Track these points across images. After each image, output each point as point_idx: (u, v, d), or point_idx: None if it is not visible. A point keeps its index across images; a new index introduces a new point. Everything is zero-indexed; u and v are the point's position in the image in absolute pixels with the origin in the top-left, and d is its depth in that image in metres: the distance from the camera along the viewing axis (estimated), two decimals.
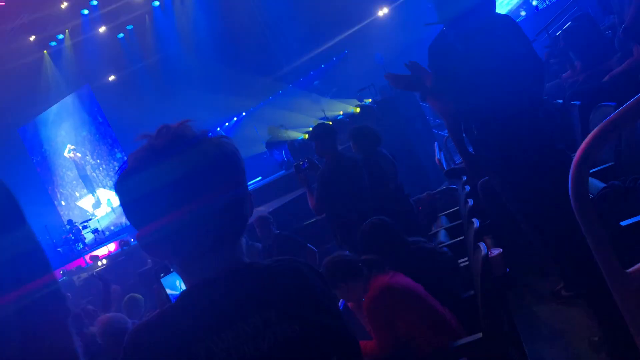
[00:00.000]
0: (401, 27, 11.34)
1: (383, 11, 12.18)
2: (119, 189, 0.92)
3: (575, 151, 1.30)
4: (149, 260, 7.65)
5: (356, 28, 11.91)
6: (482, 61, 2.44)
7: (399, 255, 2.85)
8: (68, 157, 16.15)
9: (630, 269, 1.20)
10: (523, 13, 9.22)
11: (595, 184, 2.52)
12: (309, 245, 4.72)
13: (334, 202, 4.09)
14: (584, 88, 4.02)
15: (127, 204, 0.92)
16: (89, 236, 13.50)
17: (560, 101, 4.02)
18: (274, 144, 10.80)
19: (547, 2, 8.73)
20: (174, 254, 0.94)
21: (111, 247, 12.45)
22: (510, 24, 2.64)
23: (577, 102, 3.42)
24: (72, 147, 16.14)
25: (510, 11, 9.14)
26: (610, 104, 2.96)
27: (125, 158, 0.97)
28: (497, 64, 2.37)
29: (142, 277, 7.69)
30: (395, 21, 11.88)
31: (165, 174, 0.88)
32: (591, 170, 2.73)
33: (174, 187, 0.88)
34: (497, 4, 2.59)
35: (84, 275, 10.19)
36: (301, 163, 4.20)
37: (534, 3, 8.98)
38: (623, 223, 2.11)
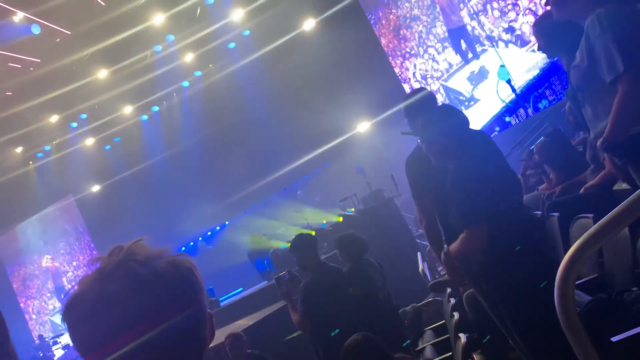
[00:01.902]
0: (380, 140, 11.80)
1: (364, 126, 12.72)
2: (65, 314, 0.86)
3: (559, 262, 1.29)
4: None
5: (338, 141, 12.34)
6: (455, 174, 2.53)
7: None
8: (45, 267, 15.74)
9: None
10: (497, 129, 9.68)
11: (582, 296, 2.48)
12: None
13: (318, 316, 3.96)
14: (561, 200, 4.12)
15: (72, 331, 0.85)
16: (58, 352, 12.78)
17: (539, 212, 4.08)
18: (256, 254, 10.68)
19: (519, 119, 9.21)
20: None
21: None
22: (484, 139, 2.76)
23: (556, 214, 3.47)
24: (50, 257, 15.79)
25: (484, 127, 9.60)
26: (588, 215, 3.01)
27: None
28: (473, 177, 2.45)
29: None
30: (375, 134, 12.38)
31: (111, 297, 0.82)
32: (576, 282, 2.70)
33: (120, 311, 0.82)
34: (471, 120, 2.72)
35: None
36: (282, 275, 4.12)
37: (507, 119, 9.47)
38: (614, 339, 2.04)
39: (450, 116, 2.73)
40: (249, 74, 13.51)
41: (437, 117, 2.75)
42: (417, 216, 3.22)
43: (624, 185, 3.10)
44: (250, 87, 13.67)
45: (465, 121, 2.68)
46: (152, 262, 0.86)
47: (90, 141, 14.85)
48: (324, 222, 10.71)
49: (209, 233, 15.22)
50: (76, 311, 0.84)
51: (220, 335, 4.94)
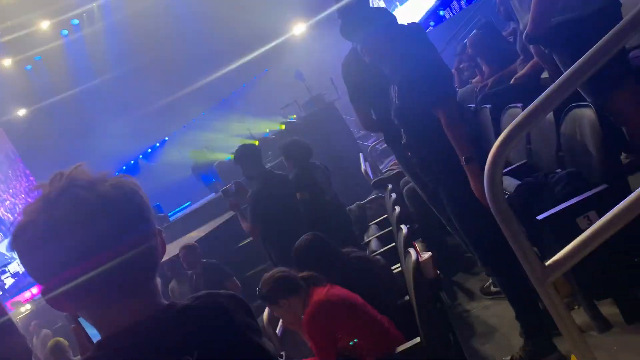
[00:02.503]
0: (318, 43, 11.55)
1: (299, 28, 12.35)
2: (14, 245, 0.86)
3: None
4: None
5: (274, 45, 11.99)
6: (391, 70, 2.56)
7: (335, 268, 2.86)
8: None
9: (549, 261, 1.27)
10: (432, 24, 9.65)
11: (511, 181, 2.66)
12: (233, 278, 4.69)
13: (267, 222, 4.07)
14: (492, 92, 4.25)
15: (25, 260, 0.86)
16: (8, 281, 12.62)
17: (473, 105, 4.22)
18: (199, 168, 10.62)
19: (453, 13, 9.19)
20: (82, 306, 0.89)
21: (34, 290, 11.70)
22: (419, 32, 2.78)
23: (488, 106, 3.60)
24: None
25: (419, 22, 9.53)
26: (517, 105, 3.15)
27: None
28: (405, 72, 2.49)
29: (70, 319, 7.26)
30: (311, 37, 12.08)
31: (61, 223, 0.83)
32: (506, 170, 2.88)
33: (72, 236, 0.83)
34: (408, 16, 2.72)
35: None
36: (228, 187, 4.15)
37: (441, 13, 9.43)
38: (539, 217, 2.23)
39: (384, 15, 2.73)
40: None
41: (371, 16, 2.73)
42: (356, 117, 3.26)
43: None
44: None
45: (396, 20, 2.70)
46: (96, 186, 0.87)
47: (7, 62, 13.75)
48: (267, 130, 10.67)
49: (149, 150, 14.90)
50: (25, 239, 0.85)
51: (173, 249, 5.02)
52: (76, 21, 13.66)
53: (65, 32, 13.77)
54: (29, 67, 14.19)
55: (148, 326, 0.88)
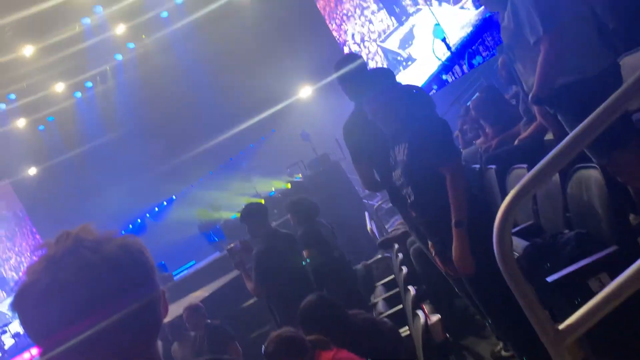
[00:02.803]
0: (323, 104, 11.81)
1: (306, 91, 12.66)
2: (16, 305, 0.85)
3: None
4: None
5: (281, 107, 12.27)
6: (398, 129, 2.63)
7: (342, 331, 2.80)
8: None
9: (563, 325, 1.24)
10: (435, 87, 9.88)
11: (519, 242, 2.64)
12: (235, 343, 4.60)
13: (271, 282, 4.02)
14: (497, 153, 4.29)
15: (24, 320, 0.85)
16: (8, 341, 12.38)
17: (477, 166, 4.26)
18: (205, 226, 10.62)
19: (456, 77, 9.42)
20: None
21: (34, 351, 11.44)
22: (421, 93, 2.87)
23: (493, 166, 3.63)
24: None
25: (423, 86, 9.77)
26: (522, 166, 3.17)
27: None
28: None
29: None
30: (317, 99, 12.37)
31: (64, 285, 0.82)
32: (513, 230, 2.86)
33: (74, 298, 0.82)
34: (411, 80, 2.81)
35: None
36: (233, 246, 4.13)
37: (444, 77, 9.66)
38: (549, 279, 2.20)
39: (386, 76, 2.82)
40: (184, 44, 13.09)
41: (374, 78, 2.83)
42: (359, 178, 3.30)
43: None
44: (187, 57, 13.27)
45: (395, 79, 2.81)
46: (102, 247, 0.87)
47: (21, 122, 14.08)
48: (273, 189, 10.72)
49: (156, 209, 14.94)
50: (27, 300, 0.84)
51: (176, 309, 4.94)
52: (90, 84, 14.09)
53: (79, 94, 14.17)
54: (41, 127, 14.52)
55: None
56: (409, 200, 2.68)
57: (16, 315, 0.86)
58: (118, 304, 0.84)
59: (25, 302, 0.84)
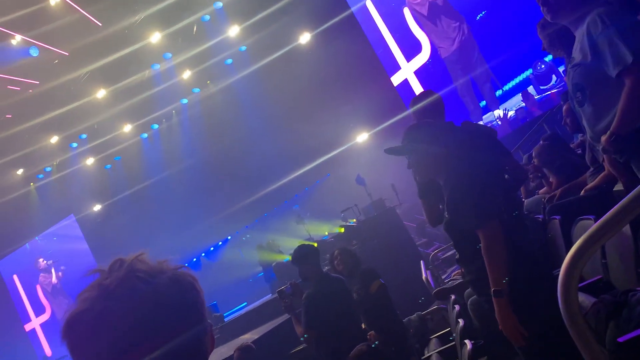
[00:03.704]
0: (380, 149, 11.79)
1: (362, 137, 12.73)
2: (65, 332, 0.85)
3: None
4: None
5: (337, 152, 12.36)
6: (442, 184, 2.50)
7: None
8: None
9: None
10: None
11: (586, 298, 2.47)
12: None
13: (321, 327, 3.93)
14: (561, 203, 4.10)
15: (74, 349, 0.84)
16: None
17: (541, 216, 4.07)
18: (265, 264, 10.71)
19: (518, 123, 9.24)
20: None
21: None
22: (477, 134, 2.76)
23: (558, 217, 3.46)
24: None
25: None
26: (589, 217, 3.00)
27: None
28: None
29: None
30: (373, 144, 12.39)
31: (115, 316, 0.82)
32: (579, 285, 2.69)
33: (125, 328, 0.82)
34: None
35: None
36: (284, 288, 4.09)
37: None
38: (620, 340, 2.03)
39: (432, 126, 2.65)
40: (246, 89, 13.58)
41: (421, 130, 2.61)
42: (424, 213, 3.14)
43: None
44: (248, 102, 13.73)
45: (453, 132, 2.67)
46: (155, 279, 0.87)
47: (90, 161, 14.87)
48: (326, 233, 10.69)
49: (212, 248, 15.19)
50: (78, 329, 0.84)
51: (226, 351, 4.91)
52: (156, 126, 14.76)
53: (145, 135, 14.86)
54: (108, 166, 15.26)
55: None
56: (456, 256, 2.58)
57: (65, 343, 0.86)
58: (166, 336, 0.83)
59: (74, 331, 0.84)
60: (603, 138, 2.39)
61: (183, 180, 14.24)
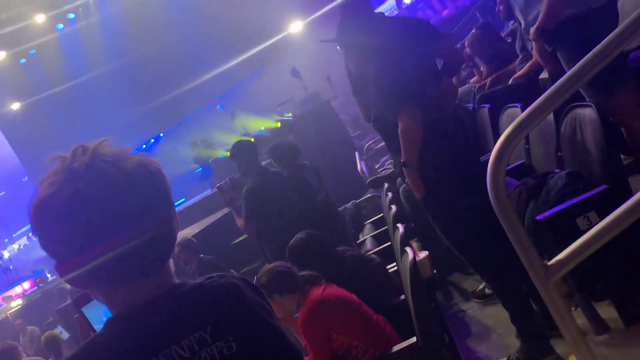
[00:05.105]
0: (315, 41, 11.49)
1: (296, 26, 12.29)
2: (33, 217, 0.84)
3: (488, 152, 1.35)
4: (70, 297, 7.21)
5: (271, 43, 11.95)
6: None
7: (329, 267, 2.84)
8: None
9: (551, 261, 1.25)
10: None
11: (510, 181, 2.64)
12: (231, 270, 4.65)
13: (262, 219, 4.04)
14: (491, 91, 4.24)
15: (43, 234, 0.84)
16: None
17: (471, 105, 4.21)
18: (200, 161, 10.61)
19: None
20: (99, 282, 0.87)
21: (26, 285, 11.63)
22: (407, 25, 2.73)
23: (487, 105, 3.59)
24: None
25: None
26: (516, 105, 3.13)
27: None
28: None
29: (62, 314, 7.22)
30: (308, 35, 12.03)
31: (88, 198, 0.81)
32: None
33: (97, 212, 0.82)
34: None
35: None
36: (223, 184, 4.12)
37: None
38: (538, 217, 2.22)
39: (375, 27, 2.59)
40: None
41: (362, 30, 2.58)
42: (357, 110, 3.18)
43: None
44: None
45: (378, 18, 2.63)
46: (122, 163, 0.86)
47: (1, 55, 13.64)
48: (262, 128, 10.61)
49: (144, 146, 14.81)
50: (49, 212, 0.83)
51: None
52: (72, 15, 13.56)
53: (61, 26, 13.67)
54: (23, 60, 14.09)
55: (162, 302, 0.88)
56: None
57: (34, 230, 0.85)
58: (138, 220, 0.84)
59: (45, 214, 0.83)
60: (532, 29, 2.47)
61: (107, 77, 13.41)
